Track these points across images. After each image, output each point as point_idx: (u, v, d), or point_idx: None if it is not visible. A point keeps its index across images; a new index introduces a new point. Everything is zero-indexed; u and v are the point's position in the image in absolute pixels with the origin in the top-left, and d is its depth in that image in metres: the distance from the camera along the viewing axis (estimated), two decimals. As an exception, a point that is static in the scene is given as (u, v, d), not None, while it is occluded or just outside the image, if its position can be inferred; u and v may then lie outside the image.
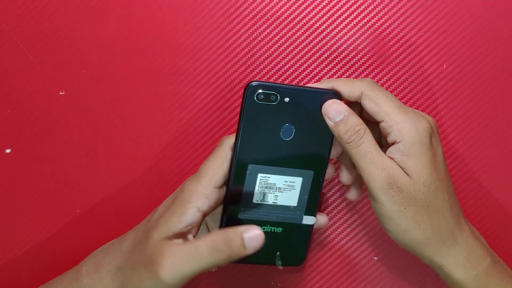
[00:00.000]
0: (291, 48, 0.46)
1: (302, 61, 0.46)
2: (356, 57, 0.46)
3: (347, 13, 0.46)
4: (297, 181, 0.39)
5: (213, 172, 0.37)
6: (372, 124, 0.38)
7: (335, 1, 0.45)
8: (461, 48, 0.45)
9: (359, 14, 0.46)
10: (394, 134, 0.36)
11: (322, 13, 0.46)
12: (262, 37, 0.46)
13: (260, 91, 0.37)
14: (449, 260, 0.37)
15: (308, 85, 0.39)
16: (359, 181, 0.42)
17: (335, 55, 0.46)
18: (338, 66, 0.46)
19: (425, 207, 0.36)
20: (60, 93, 0.47)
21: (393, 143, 0.36)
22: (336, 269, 0.47)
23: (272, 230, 0.40)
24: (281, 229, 0.40)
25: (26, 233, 0.47)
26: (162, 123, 0.47)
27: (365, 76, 0.46)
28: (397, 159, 0.36)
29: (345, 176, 0.41)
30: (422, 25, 0.45)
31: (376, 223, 0.47)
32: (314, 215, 0.40)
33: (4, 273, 0.47)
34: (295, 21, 0.46)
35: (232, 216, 0.39)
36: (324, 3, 0.45)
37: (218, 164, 0.37)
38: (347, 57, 0.46)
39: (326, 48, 0.46)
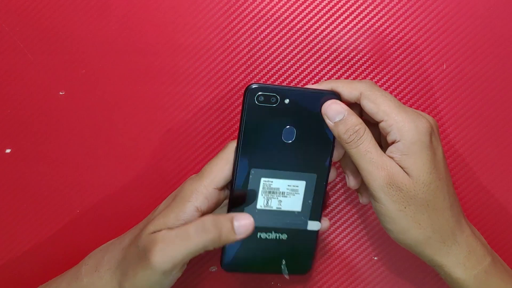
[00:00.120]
0: (291, 48, 0.46)
1: (302, 61, 0.46)
2: (356, 57, 0.46)
3: (347, 13, 0.46)
4: (301, 185, 0.39)
5: (215, 173, 0.37)
6: (372, 125, 0.38)
7: (335, 2, 0.45)
8: (461, 48, 0.45)
9: (359, 14, 0.46)
10: (393, 133, 0.36)
11: (322, 13, 0.46)
12: (262, 37, 0.46)
13: (260, 93, 0.37)
14: (449, 260, 0.37)
15: (308, 86, 0.39)
16: None
17: (335, 55, 0.46)
18: (338, 66, 0.46)
19: (425, 206, 0.36)
20: (60, 93, 0.47)
21: (392, 143, 0.36)
22: (336, 269, 0.47)
23: (277, 237, 0.40)
24: (286, 236, 0.40)
25: (26, 233, 0.47)
26: (162, 123, 0.47)
27: (365, 76, 0.46)
28: (397, 158, 0.36)
29: (351, 181, 0.41)
30: (422, 25, 0.45)
31: (376, 223, 0.47)
32: (319, 220, 0.40)
33: (4, 273, 0.47)
34: (295, 21, 0.46)
35: None
36: (324, 4, 0.45)
37: (221, 166, 0.37)
38: (347, 57, 0.46)
39: (326, 48, 0.46)
